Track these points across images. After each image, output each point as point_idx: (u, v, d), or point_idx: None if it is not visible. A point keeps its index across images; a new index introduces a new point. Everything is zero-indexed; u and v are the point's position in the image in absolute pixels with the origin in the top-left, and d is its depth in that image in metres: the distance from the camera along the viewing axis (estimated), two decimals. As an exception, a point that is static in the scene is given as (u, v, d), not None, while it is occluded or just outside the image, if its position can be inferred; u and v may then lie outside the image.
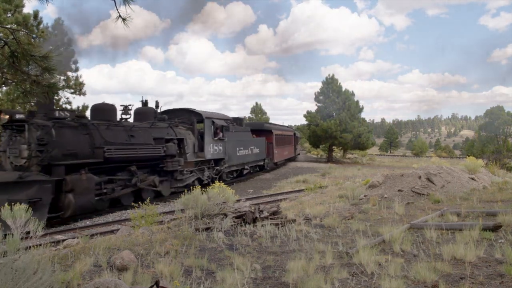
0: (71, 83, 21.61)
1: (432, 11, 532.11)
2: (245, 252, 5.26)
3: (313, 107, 51.23)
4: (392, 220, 7.09)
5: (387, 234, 5.53)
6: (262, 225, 6.54)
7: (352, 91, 38.17)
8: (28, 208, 5.09)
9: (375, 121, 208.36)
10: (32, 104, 16.04)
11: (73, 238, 7.30)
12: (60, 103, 22.05)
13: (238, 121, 22.53)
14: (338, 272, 4.21)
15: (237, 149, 19.87)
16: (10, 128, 10.14)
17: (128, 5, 3.30)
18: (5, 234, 4.09)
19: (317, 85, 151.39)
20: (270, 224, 6.60)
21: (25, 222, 4.39)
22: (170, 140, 14.46)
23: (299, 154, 41.72)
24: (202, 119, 16.93)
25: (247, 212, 7.04)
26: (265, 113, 58.95)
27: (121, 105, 14.40)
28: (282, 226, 6.63)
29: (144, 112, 15.18)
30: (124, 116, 14.36)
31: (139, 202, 9.57)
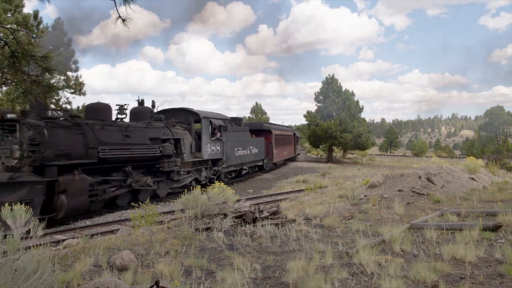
0: (71, 83, 21.62)
1: (432, 11, 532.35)
2: (245, 252, 5.26)
3: (313, 107, 51.29)
4: (392, 220, 7.09)
5: (387, 234, 5.53)
6: (262, 225, 6.54)
7: (352, 91, 38.24)
8: None
9: (375, 121, 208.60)
10: (33, 104, 16.04)
11: (73, 238, 7.30)
12: (60, 103, 22.07)
13: (236, 121, 22.38)
14: (338, 272, 4.21)
15: (236, 149, 19.72)
16: (2, 128, 9.96)
17: (128, 5, 3.29)
18: (5, 235, 4.09)
19: (317, 85, 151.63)
20: (270, 224, 6.61)
21: (25, 222, 4.39)
22: (167, 140, 14.25)
23: (299, 154, 41.72)
24: (200, 119, 16.77)
25: (247, 212, 7.04)
26: (265, 113, 59.02)
27: (117, 105, 14.25)
28: (282, 226, 6.63)
29: (140, 112, 14.95)
30: (119, 116, 14.19)
31: (139, 203, 9.57)
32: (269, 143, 25.90)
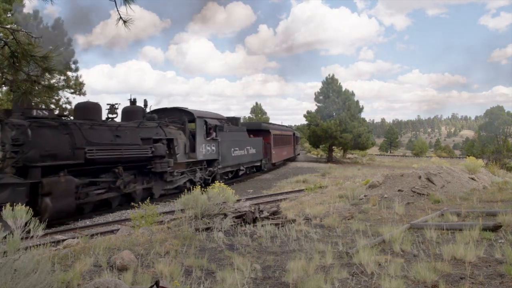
0: (71, 83, 21.64)
1: (432, 11, 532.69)
2: (245, 252, 5.26)
3: (313, 107, 51.26)
4: (392, 220, 7.09)
5: (387, 234, 5.53)
6: (262, 225, 6.54)
7: (352, 91, 38.26)
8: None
9: (375, 121, 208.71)
10: (33, 104, 15.99)
11: (73, 238, 7.30)
12: (60, 103, 22.09)
13: (233, 120, 22.02)
14: (338, 272, 4.21)
15: (232, 149, 19.40)
16: None
17: (129, 5, 3.28)
18: (5, 235, 4.09)
19: (317, 85, 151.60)
20: (270, 224, 6.61)
21: (26, 223, 4.38)
22: (159, 140, 13.85)
23: (299, 154, 41.69)
24: (194, 118, 16.38)
25: (247, 212, 7.04)
26: (265, 113, 59.06)
27: (108, 104, 13.90)
28: (282, 226, 6.63)
29: (132, 111, 14.55)
30: (110, 116, 13.79)
31: (139, 203, 9.56)
32: (268, 143, 25.67)
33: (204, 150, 16.67)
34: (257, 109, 58.99)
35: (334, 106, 36.04)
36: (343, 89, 37.26)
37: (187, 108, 17.43)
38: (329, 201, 9.62)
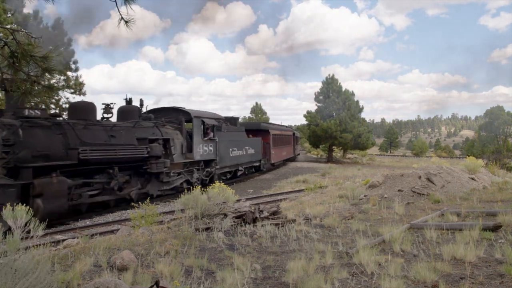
0: (71, 83, 21.65)
1: (432, 11, 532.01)
2: (245, 252, 5.26)
3: (313, 107, 51.27)
4: (392, 220, 7.09)
5: (387, 234, 5.53)
6: (262, 225, 6.54)
7: (352, 91, 38.28)
8: None
9: (375, 121, 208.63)
10: (32, 103, 15.98)
11: (73, 238, 7.30)
12: (60, 103, 22.11)
13: (232, 120, 21.85)
14: (338, 272, 4.21)
15: (230, 149, 19.20)
16: None
17: (129, 5, 3.28)
18: (5, 234, 4.09)
19: (317, 85, 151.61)
20: (270, 224, 6.61)
21: (26, 223, 4.38)
22: (155, 140, 13.64)
23: (299, 154, 41.68)
24: (191, 118, 16.17)
25: (247, 212, 7.04)
26: (265, 113, 59.09)
27: (103, 104, 13.72)
28: (282, 226, 6.64)
29: (128, 111, 14.28)
30: (105, 115, 13.61)
31: (139, 202, 9.56)
32: (267, 143, 25.51)
33: (202, 150, 16.50)
34: (257, 109, 59.02)
35: (334, 106, 36.07)
36: (343, 89, 37.28)
37: (184, 108, 17.25)
38: (329, 201, 9.62)
